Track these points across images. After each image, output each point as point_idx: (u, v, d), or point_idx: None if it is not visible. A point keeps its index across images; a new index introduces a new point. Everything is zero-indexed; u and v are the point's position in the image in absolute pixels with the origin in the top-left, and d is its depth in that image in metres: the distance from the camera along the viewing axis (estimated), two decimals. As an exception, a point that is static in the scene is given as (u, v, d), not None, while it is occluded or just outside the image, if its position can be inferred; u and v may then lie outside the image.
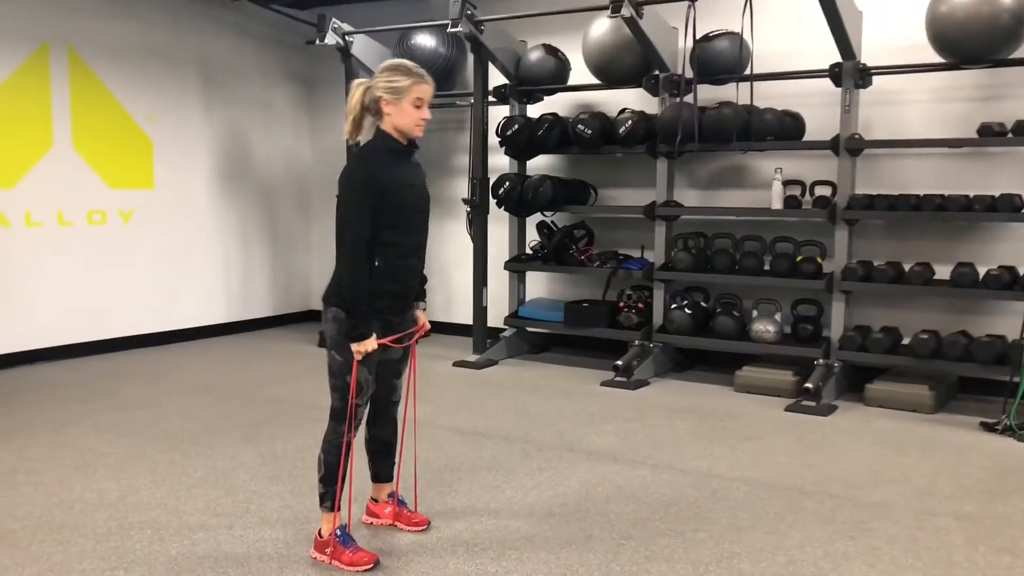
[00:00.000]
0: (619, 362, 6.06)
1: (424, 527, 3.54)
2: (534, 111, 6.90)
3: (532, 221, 6.97)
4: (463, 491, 3.99)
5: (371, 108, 3.17)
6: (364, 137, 3.20)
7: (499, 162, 6.97)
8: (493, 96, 6.86)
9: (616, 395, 5.79)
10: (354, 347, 3.10)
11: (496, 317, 7.03)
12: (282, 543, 3.42)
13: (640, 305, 6.43)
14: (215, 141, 7.87)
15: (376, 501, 3.62)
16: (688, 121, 5.85)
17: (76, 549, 3.35)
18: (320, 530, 3.32)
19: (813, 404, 5.38)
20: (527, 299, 7.14)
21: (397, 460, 3.58)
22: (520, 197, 6.55)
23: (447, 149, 7.83)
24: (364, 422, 3.48)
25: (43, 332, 6.68)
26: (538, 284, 7.39)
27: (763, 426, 5.05)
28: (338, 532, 3.26)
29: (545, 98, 6.96)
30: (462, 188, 7.22)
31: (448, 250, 7.73)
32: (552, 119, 6.51)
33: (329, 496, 3.25)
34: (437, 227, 7.96)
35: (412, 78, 3.14)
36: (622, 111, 6.38)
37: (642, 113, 6.27)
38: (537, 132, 6.48)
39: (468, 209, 6.80)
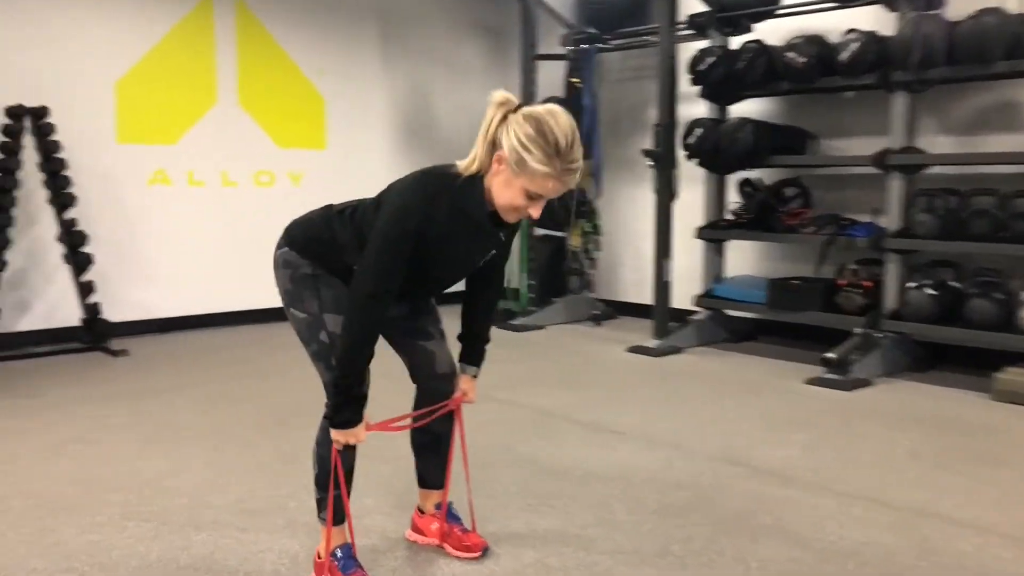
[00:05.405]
0: (830, 354, 4.69)
1: (477, 554, 2.55)
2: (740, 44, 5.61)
3: (735, 181, 5.71)
4: (557, 508, 2.94)
5: (494, 142, 2.21)
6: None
7: (696, 111, 5.77)
8: (688, 27, 5.65)
9: (823, 396, 4.45)
10: (335, 435, 2.23)
11: (690, 297, 5.86)
12: (289, 558, 2.57)
13: (866, 283, 4.99)
14: (393, 98, 7.26)
15: (422, 512, 2.68)
16: (932, 36, 4.37)
17: (50, 539, 2.70)
18: (319, 549, 2.44)
19: (1111, 424, 3.78)
20: (728, 276, 5.88)
21: (449, 459, 2.62)
22: (715, 146, 5.33)
23: (641, 101, 6.70)
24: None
25: (202, 298, 6.35)
26: (745, 258, 6.08)
27: (1026, 450, 3.56)
28: (337, 553, 2.37)
29: (754, 27, 5.62)
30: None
31: (642, 222, 6.62)
32: (756, 47, 5.21)
33: (325, 503, 2.36)
34: (628, 195, 6.95)
35: (549, 166, 2.10)
36: (848, 31, 4.95)
37: (872, 34, 4.82)
38: (736, 65, 5.21)
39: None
